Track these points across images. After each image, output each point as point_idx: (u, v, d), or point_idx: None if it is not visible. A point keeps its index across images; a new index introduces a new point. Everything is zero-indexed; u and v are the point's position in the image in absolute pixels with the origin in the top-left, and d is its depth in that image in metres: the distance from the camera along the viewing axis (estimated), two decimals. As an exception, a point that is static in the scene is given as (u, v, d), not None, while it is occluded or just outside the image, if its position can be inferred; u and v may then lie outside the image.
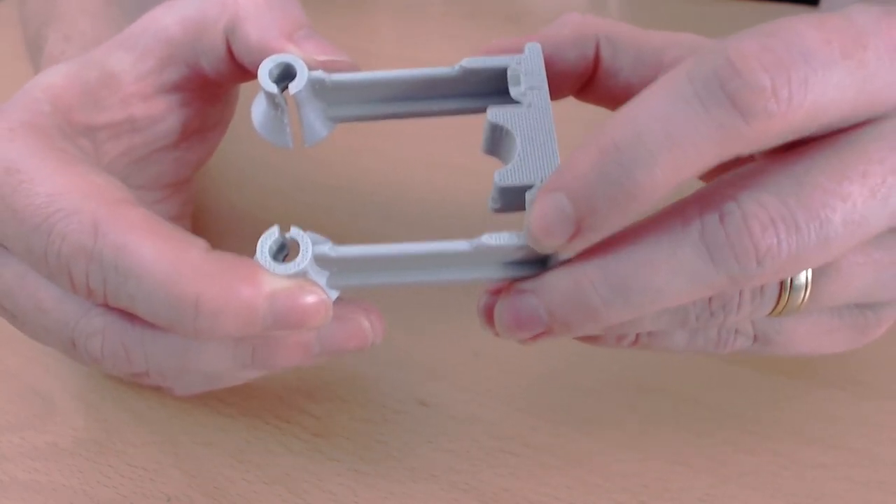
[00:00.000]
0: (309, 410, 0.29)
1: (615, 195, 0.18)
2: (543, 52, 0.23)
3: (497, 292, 0.22)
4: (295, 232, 0.21)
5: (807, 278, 0.21)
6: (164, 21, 0.26)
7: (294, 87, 0.23)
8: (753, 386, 0.28)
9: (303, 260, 0.21)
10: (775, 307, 0.21)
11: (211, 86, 0.28)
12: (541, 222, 0.19)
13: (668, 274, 0.19)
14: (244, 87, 0.32)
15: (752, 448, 0.27)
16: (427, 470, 0.27)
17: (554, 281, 0.20)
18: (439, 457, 0.27)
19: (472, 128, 0.25)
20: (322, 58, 0.24)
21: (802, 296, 0.21)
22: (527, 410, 0.28)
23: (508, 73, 0.23)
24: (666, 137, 0.18)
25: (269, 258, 0.21)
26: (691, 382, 0.29)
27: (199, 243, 0.21)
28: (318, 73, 0.23)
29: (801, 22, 0.18)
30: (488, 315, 0.22)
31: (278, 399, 0.29)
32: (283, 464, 0.27)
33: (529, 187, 0.21)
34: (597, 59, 0.25)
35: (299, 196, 0.39)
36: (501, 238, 0.20)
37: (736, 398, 0.28)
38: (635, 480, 0.26)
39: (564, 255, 0.20)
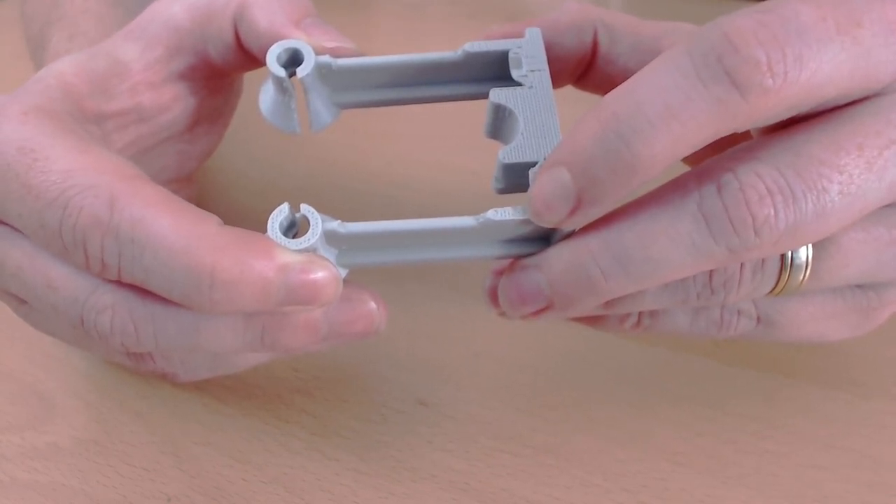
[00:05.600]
0: (309, 410, 0.29)
1: (615, 166, 0.18)
2: (543, 38, 0.24)
3: (501, 273, 0.22)
4: (305, 209, 0.21)
5: (807, 256, 0.21)
6: (172, 9, 0.27)
7: (301, 71, 0.23)
8: (753, 386, 0.28)
9: (313, 235, 0.21)
10: (776, 285, 0.22)
11: (218, 74, 0.28)
12: (542, 196, 0.19)
13: (668, 245, 0.19)
14: (247, 87, 0.32)
15: (752, 448, 0.27)
16: (427, 470, 0.27)
17: (555, 254, 0.21)
18: (439, 457, 0.27)
19: (476, 129, 0.25)
20: (329, 44, 0.24)
21: (803, 274, 0.21)
22: (527, 410, 0.28)
23: (510, 56, 0.23)
24: (665, 109, 0.18)
25: (279, 233, 0.21)
26: (691, 382, 0.29)
27: (213, 218, 0.21)
28: (325, 58, 0.23)
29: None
30: (493, 295, 0.23)
31: (278, 399, 0.29)
32: (283, 463, 0.27)
33: (532, 165, 0.21)
34: (595, 46, 0.25)
35: (301, 196, 0.39)
36: (506, 213, 0.21)
37: (736, 398, 0.28)
38: (635, 480, 0.26)
39: (567, 230, 0.21)
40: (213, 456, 0.28)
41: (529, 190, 0.20)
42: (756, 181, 0.19)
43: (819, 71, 0.18)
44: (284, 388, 0.30)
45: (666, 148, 0.18)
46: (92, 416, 0.29)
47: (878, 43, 0.18)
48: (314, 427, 0.28)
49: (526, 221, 0.21)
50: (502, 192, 0.22)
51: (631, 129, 0.18)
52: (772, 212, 0.18)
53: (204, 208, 0.22)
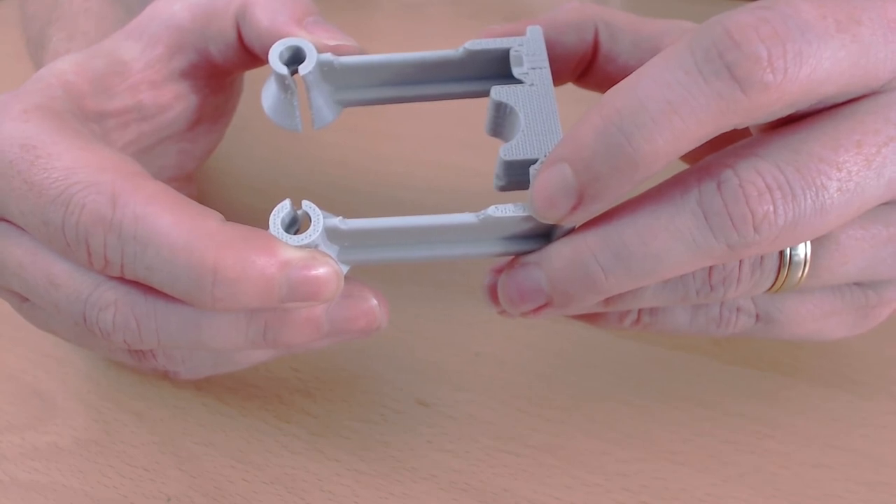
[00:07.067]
0: (309, 410, 0.29)
1: (617, 162, 0.18)
2: (544, 37, 0.24)
3: (500, 271, 0.22)
4: (306, 205, 0.21)
5: (806, 253, 0.21)
6: (173, 8, 0.27)
7: (303, 68, 0.23)
8: (753, 386, 0.28)
9: (314, 231, 0.21)
10: (775, 282, 0.22)
11: (218, 73, 0.28)
12: (544, 192, 0.20)
13: (668, 241, 0.19)
14: (248, 86, 0.32)
15: (752, 448, 0.27)
16: (427, 470, 0.27)
17: (555, 251, 0.21)
18: (439, 457, 0.27)
19: (478, 128, 0.25)
20: (331, 42, 0.24)
21: (802, 271, 0.21)
22: (527, 410, 0.28)
23: (511, 53, 0.23)
24: (667, 104, 0.18)
25: (281, 230, 0.21)
26: (691, 382, 0.29)
27: (216, 214, 0.21)
28: (327, 56, 0.24)
29: None
30: (493, 293, 0.23)
31: (278, 399, 0.29)
32: (283, 464, 0.27)
33: (533, 162, 0.21)
34: (596, 44, 0.25)
35: (303, 195, 0.39)
36: (507, 210, 0.21)
37: (736, 398, 0.28)
38: (635, 480, 0.26)
39: (568, 227, 0.21)
40: (214, 456, 0.28)
41: (531, 186, 0.20)
42: (756, 178, 0.19)
43: (819, 68, 0.18)
44: (285, 389, 0.30)
45: (667, 143, 0.18)
46: (92, 416, 0.29)
47: (876, 41, 0.18)
48: (314, 427, 0.28)
49: (527, 218, 0.21)
50: (504, 189, 0.22)
51: (633, 124, 0.18)
52: (771, 208, 0.18)
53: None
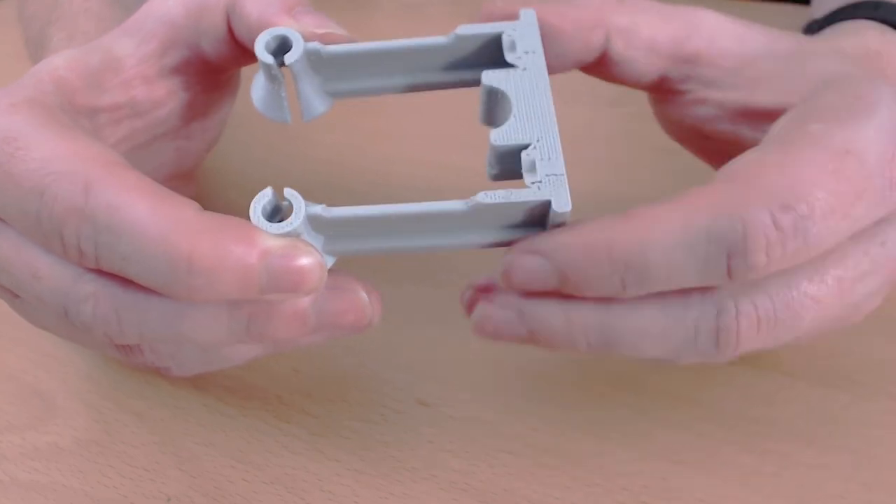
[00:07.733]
0: (309, 410, 0.29)
1: (594, 290, 0.21)
2: (543, 27, 0.23)
3: (481, 289, 0.23)
4: (289, 193, 0.21)
5: None
6: (167, 4, 0.27)
7: (289, 58, 0.23)
8: (753, 386, 0.28)
9: (296, 218, 0.20)
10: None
11: (212, 70, 0.28)
12: (521, 273, 0.22)
13: (652, 342, 0.22)
14: (243, 87, 0.32)
15: (752, 448, 0.27)
16: (427, 470, 0.27)
17: (549, 317, 0.22)
18: (439, 457, 0.27)
19: (480, 127, 0.25)
20: (319, 30, 0.24)
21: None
22: (527, 410, 0.28)
23: (503, 38, 0.23)
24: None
25: (261, 218, 0.20)
26: (691, 382, 0.29)
27: (193, 204, 0.21)
28: (314, 45, 0.23)
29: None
30: (470, 308, 0.24)
31: (278, 399, 0.29)
32: (283, 464, 0.27)
33: (525, 147, 0.21)
34: (603, 47, 0.25)
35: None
36: (497, 196, 0.20)
37: (736, 398, 0.28)
38: (635, 480, 0.26)
39: (559, 220, 0.21)
40: (214, 456, 0.28)
41: (509, 256, 0.21)
42: (751, 311, 0.21)
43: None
44: (285, 389, 0.30)
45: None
46: (92, 416, 0.29)
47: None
48: (315, 427, 0.28)
49: (518, 204, 0.20)
50: (497, 178, 0.22)
51: (635, 282, 0.21)
52: (755, 334, 0.21)
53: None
